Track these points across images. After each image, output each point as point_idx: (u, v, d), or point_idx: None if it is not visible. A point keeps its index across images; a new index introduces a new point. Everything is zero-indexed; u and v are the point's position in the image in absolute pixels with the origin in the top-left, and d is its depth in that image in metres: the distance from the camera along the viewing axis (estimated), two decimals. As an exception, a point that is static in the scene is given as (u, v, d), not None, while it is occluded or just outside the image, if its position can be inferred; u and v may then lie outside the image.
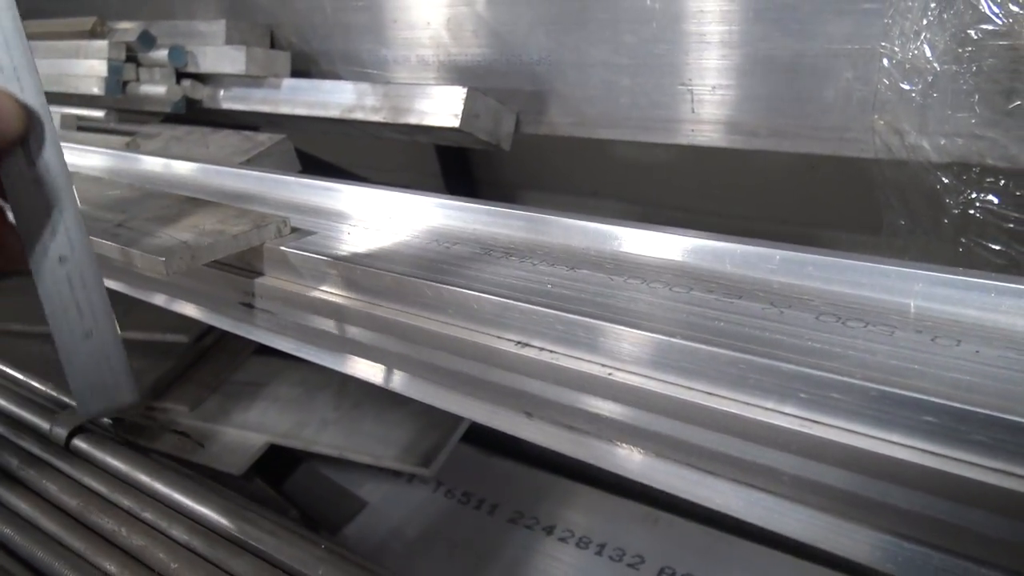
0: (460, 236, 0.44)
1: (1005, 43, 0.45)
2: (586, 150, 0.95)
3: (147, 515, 0.51)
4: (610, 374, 0.31)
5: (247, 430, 0.80)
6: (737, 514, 0.30)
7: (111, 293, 0.37)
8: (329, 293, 0.41)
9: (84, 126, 0.87)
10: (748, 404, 0.28)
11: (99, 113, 0.88)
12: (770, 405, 0.27)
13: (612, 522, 0.72)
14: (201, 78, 0.87)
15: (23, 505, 0.53)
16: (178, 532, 0.49)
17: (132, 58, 0.85)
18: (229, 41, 0.84)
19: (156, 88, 0.84)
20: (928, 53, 0.48)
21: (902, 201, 0.53)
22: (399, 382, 0.41)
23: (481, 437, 0.82)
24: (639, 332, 0.30)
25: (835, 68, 0.54)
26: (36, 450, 0.58)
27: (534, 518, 0.74)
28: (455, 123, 0.68)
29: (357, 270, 0.40)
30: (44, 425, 0.60)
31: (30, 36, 0.34)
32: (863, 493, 0.26)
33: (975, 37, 0.46)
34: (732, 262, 0.36)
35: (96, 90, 0.84)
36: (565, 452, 0.34)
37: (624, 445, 0.33)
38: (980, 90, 0.47)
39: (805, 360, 0.27)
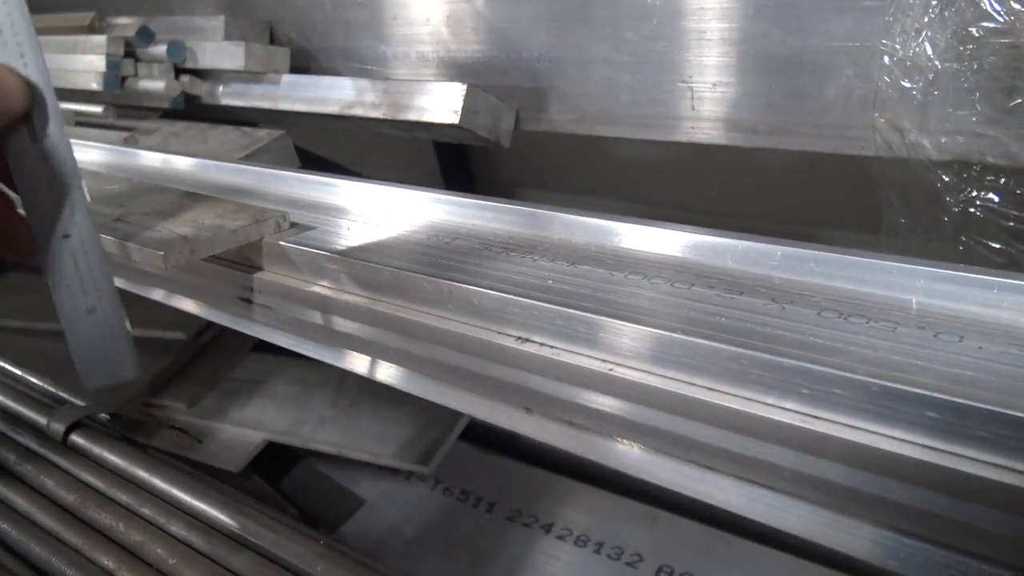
0: (460, 231, 0.44)
1: (1006, 41, 0.45)
2: (585, 148, 0.95)
3: (145, 510, 0.51)
4: (611, 370, 0.31)
5: (245, 427, 0.80)
6: (738, 510, 0.30)
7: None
8: (328, 288, 0.41)
9: (82, 121, 0.87)
10: (750, 400, 0.28)
11: (97, 109, 0.87)
12: (772, 401, 0.27)
13: (610, 520, 0.72)
14: (200, 74, 0.86)
15: (20, 500, 0.53)
16: (176, 528, 0.49)
17: (131, 53, 0.85)
18: (228, 37, 0.84)
19: (155, 84, 0.84)
20: (929, 51, 0.48)
21: (902, 199, 0.53)
22: (398, 378, 0.41)
23: (479, 435, 0.81)
24: (640, 328, 0.30)
25: (836, 65, 0.53)
26: (33, 445, 0.58)
27: (532, 516, 0.74)
28: (454, 120, 0.68)
29: (356, 265, 0.40)
30: (41, 420, 0.60)
31: None
32: (865, 489, 0.26)
33: (976, 35, 0.46)
34: (733, 258, 0.36)
35: (94, 85, 0.83)
36: (565, 448, 0.34)
37: (625, 441, 0.32)
38: (981, 88, 0.47)
39: (807, 356, 0.27)
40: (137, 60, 0.85)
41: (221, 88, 0.86)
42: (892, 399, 0.25)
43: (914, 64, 0.49)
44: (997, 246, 0.50)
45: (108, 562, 0.47)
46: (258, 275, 0.44)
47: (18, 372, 0.70)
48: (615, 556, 0.69)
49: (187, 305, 0.52)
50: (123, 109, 0.88)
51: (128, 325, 0.35)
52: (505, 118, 0.71)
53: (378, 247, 0.42)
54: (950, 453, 0.24)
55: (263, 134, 0.77)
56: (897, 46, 0.49)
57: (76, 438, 0.58)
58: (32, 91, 0.33)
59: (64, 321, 0.35)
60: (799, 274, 0.34)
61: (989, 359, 0.26)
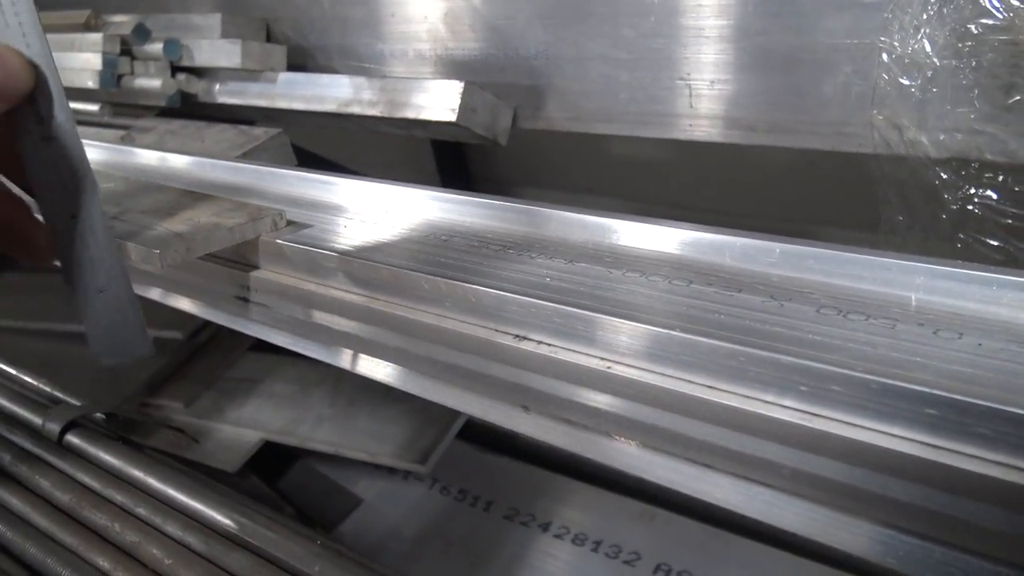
0: (457, 229, 0.44)
1: (1005, 38, 0.45)
2: (582, 146, 0.94)
3: (141, 511, 0.50)
4: (609, 367, 0.31)
5: (242, 427, 0.80)
6: (736, 508, 0.30)
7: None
8: (325, 286, 0.41)
9: (78, 120, 0.86)
10: (748, 397, 0.28)
11: (93, 107, 0.87)
12: (770, 398, 0.27)
13: (608, 519, 0.72)
14: (196, 72, 0.86)
15: (15, 501, 0.53)
16: (172, 528, 0.49)
17: (127, 51, 0.84)
18: (225, 35, 0.84)
19: (151, 82, 0.84)
20: (928, 48, 0.48)
21: (900, 197, 0.53)
22: (396, 376, 0.41)
23: (477, 434, 0.81)
24: (638, 325, 0.30)
25: (834, 63, 0.53)
26: (28, 445, 0.58)
27: (530, 515, 0.74)
28: (452, 117, 0.67)
29: (354, 263, 0.39)
30: (37, 420, 0.60)
31: None
32: (864, 486, 0.26)
33: (975, 32, 0.46)
34: (732, 255, 0.36)
35: (91, 84, 0.83)
36: (563, 446, 0.34)
37: (622, 439, 0.32)
38: (980, 85, 0.47)
39: (806, 353, 0.27)
40: (133, 58, 0.85)
41: (218, 86, 0.85)
42: (891, 396, 0.24)
43: (913, 61, 0.49)
44: (995, 243, 0.50)
45: (104, 562, 0.47)
46: (255, 274, 0.44)
47: (13, 372, 0.70)
48: (613, 554, 0.69)
49: (183, 304, 0.52)
50: (119, 107, 0.88)
51: (138, 307, 0.36)
52: (502, 116, 0.71)
53: (375, 245, 0.42)
54: (949, 450, 0.24)
55: (260, 132, 0.77)
56: (896, 43, 0.49)
57: (72, 438, 0.58)
58: (36, 71, 0.33)
59: (76, 300, 0.36)
60: (798, 271, 0.34)
61: (988, 356, 0.26)
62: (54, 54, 0.34)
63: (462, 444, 0.81)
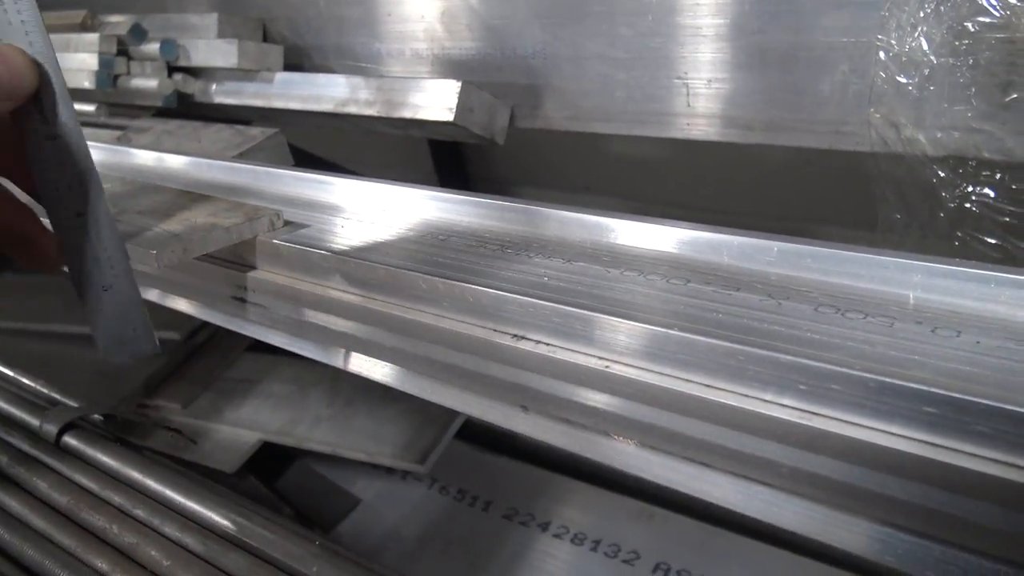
0: (455, 229, 0.44)
1: (1002, 36, 0.45)
2: (580, 145, 0.94)
3: (139, 512, 0.50)
4: (607, 367, 0.31)
5: (240, 427, 0.80)
6: (735, 507, 0.30)
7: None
8: (322, 286, 0.41)
9: (75, 120, 0.86)
10: (746, 396, 0.28)
11: (90, 107, 0.87)
12: (769, 397, 0.27)
13: (607, 518, 0.72)
14: (193, 72, 0.86)
15: (13, 503, 0.53)
16: (170, 529, 0.49)
17: (123, 52, 0.84)
18: (221, 35, 0.84)
19: (147, 82, 0.83)
20: (925, 46, 0.48)
21: (898, 195, 0.53)
22: (394, 376, 0.41)
23: (475, 434, 0.81)
24: (636, 324, 0.30)
25: (831, 61, 0.53)
26: (26, 447, 0.58)
27: (529, 515, 0.74)
28: (449, 117, 0.67)
29: (351, 263, 0.39)
30: (34, 422, 0.60)
31: None
32: (862, 485, 0.26)
33: (972, 30, 0.46)
34: (730, 254, 0.36)
35: (87, 84, 0.83)
36: (561, 446, 0.34)
37: (621, 438, 0.32)
38: (977, 83, 0.47)
39: (804, 351, 0.27)
40: (130, 58, 0.85)
41: (214, 86, 0.85)
42: (890, 394, 0.24)
43: (910, 59, 0.49)
44: (993, 241, 0.50)
45: (102, 564, 0.47)
46: (252, 274, 0.44)
47: (10, 373, 0.70)
48: (612, 554, 0.69)
49: (181, 305, 0.52)
50: (116, 107, 0.88)
51: (142, 305, 0.36)
52: (500, 115, 0.71)
53: (373, 245, 0.42)
54: (948, 448, 0.24)
55: (257, 132, 0.77)
56: (893, 41, 0.49)
57: (69, 439, 0.58)
58: (40, 70, 0.33)
59: (82, 298, 0.36)
60: (796, 270, 0.34)
61: (987, 354, 0.26)
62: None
63: (461, 444, 0.81)
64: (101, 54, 0.82)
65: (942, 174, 0.50)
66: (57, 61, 0.34)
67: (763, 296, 0.32)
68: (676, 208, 0.91)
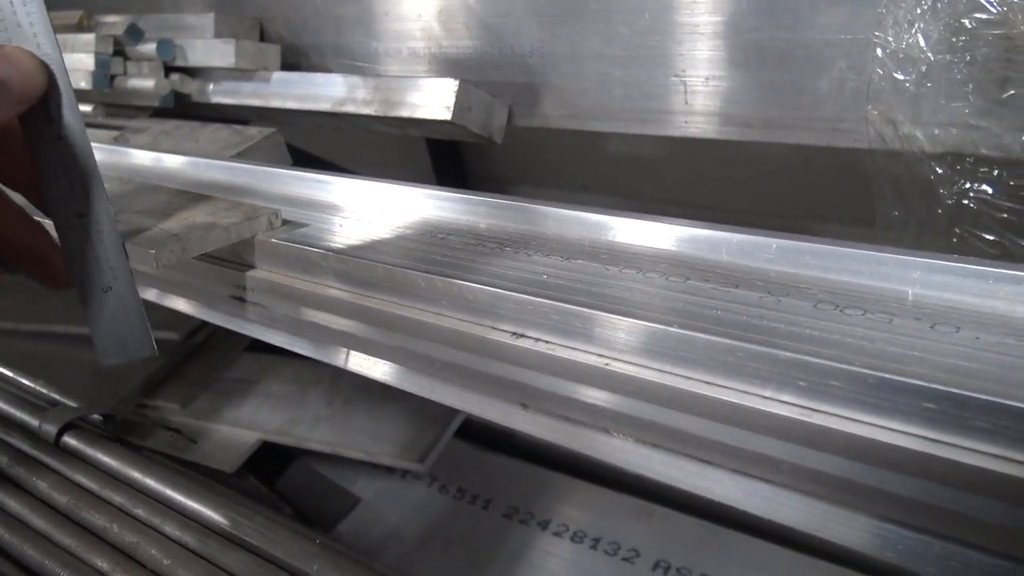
0: (454, 227, 0.44)
1: (999, 32, 0.45)
2: (578, 144, 0.94)
3: (139, 511, 0.50)
4: (607, 364, 0.31)
5: (239, 427, 0.80)
6: (736, 504, 0.30)
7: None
8: (321, 285, 0.41)
9: (72, 121, 0.86)
10: (746, 393, 0.28)
11: (87, 107, 0.87)
12: (768, 393, 0.27)
13: (607, 516, 0.72)
14: (190, 72, 0.86)
15: (13, 503, 0.53)
16: (170, 528, 0.49)
17: (120, 52, 0.84)
18: (218, 35, 0.83)
19: (144, 82, 0.83)
20: (922, 42, 0.48)
21: (896, 192, 0.53)
22: (393, 375, 0.41)
23: (475, 432, 0.81)
24: (635, 321, 0.30)
25: (829, 58, 0.53)
26: (26, 447, 0.58)
27: (529, 513, 0.74)
28: (447, 116, 0.67)
29: (350, 262, 0.39)
30: (33, 422, 0.60)
31: None
32: (863, 481, 0.26)
33: (969, 26, 0.46)
34: (729, 251, 0.36)
35: (84, 84, 0.83)
36: (561, 443, 0.34)
37: (621, 436, 0.32)
38: (974, 79, 0.47)
39: (803, 348, 0.27)
40: (126, 58, 0.84)
41: (211, 86, 0.85)
42: (889, 390, 0.25)
43: (907, 56, 0.49)
44: (991, 238, 0.50)
45: (102, 563, 0.47)
46: (250, 273, 0.44)
47: (10, 374, 0.70)
48: (612, 552, 0.69)
49: (180, 305, 0.52)
50: (113, 108, 0.88)
51: (142, 308, 0.36)
52: (498, 114, 0.71)
53: (371, 244, 0.42)
54: (948, 444, 0.24)
55: (254, 132, 0.77)
56: (890, 38, 0.49)
57: (69, 439, 0.58)
58: (48, 72, 0.33)
59: (83, 300, 0.36)
60: (795, 267, 0.34)
61: (986, 349, 0.26)
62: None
63: (460, 442, 0.81)
64: (98, 54, 0.82)
65: (940, 171, 0.51)
66: (63, 62, 0.34)
67: (762, 293, 0.32)
68: (674, 206, 0.91)
